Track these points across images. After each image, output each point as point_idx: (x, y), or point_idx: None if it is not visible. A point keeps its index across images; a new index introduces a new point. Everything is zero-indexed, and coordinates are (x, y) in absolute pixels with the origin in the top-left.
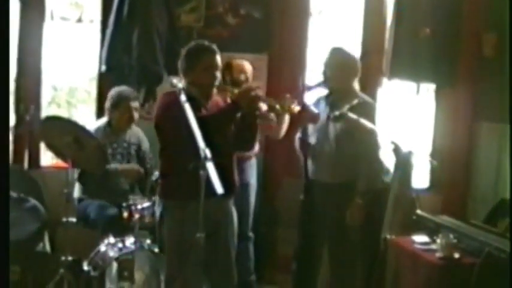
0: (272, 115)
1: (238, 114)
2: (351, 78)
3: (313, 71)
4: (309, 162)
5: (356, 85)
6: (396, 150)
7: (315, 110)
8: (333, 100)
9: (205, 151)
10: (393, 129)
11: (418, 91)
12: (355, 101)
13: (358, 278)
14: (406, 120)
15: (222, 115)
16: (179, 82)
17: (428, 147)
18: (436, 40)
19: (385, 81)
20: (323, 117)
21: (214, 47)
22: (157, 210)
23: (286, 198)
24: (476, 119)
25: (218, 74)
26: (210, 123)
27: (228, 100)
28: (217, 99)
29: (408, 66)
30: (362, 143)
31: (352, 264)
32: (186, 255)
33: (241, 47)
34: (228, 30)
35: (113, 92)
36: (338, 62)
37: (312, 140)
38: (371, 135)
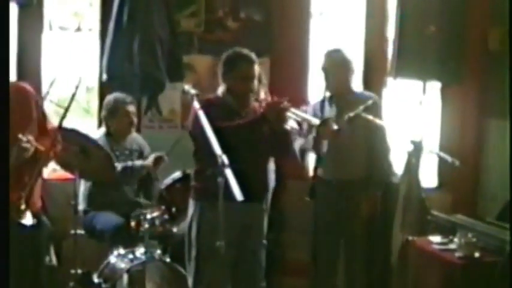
0: (296, 126)
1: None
2: (351, 78)
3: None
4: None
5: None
6: (416, 150)
7: (334, 126)
8: (339, 101)
9: (222, 158)
10: (400, 129)
11: (424, 90)
12: (370, 101)
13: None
14: (412, 120)
15: (247, 125)
16: (191, 89)
17: (435, 146)
18: (442, 37)
19: (390, 81)
20: (332, 118)
21: (253, 55)
22: (189, 212)
23: (293, 202)
24: (483, 116)
25: (255, 83)
26: (236, 132)
27: None
28: (255, 107)
29: (414, 65)
30: (376, 139)
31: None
32: (215, 257)
33: None
34: (228, 35)
35: (108, 99)
36: (339, 64)
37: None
38: (383, 131)
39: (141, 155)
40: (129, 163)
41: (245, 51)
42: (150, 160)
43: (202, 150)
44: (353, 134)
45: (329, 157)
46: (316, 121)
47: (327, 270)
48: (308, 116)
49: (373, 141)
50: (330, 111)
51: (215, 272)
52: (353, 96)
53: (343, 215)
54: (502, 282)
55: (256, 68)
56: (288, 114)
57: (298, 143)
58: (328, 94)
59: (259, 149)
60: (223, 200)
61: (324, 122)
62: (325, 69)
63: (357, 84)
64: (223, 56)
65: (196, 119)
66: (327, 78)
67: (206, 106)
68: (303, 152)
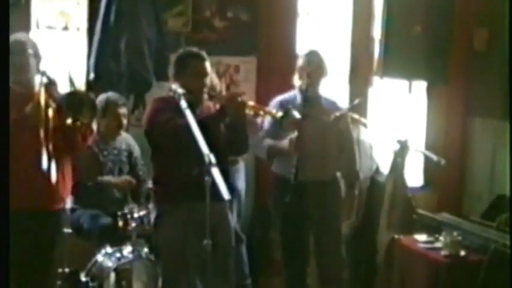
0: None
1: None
2: (323, 79)
3: None
4: (300, 163)
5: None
6: (402, 149)
7: (297, 115)
8: (311, 100)
9: (210, 156)
10: (386, 128)
11: (410, 89)
12: (357, 101)
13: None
14: (398, 119)
15: (208, 120)
16: (178, 88)
17: (421, 145)
18: (428, 37)
19: (376, 80)
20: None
21: (203, 53)
22: (152, 217)
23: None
24: (469, 115)
25: (207, 80)
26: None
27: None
28: (209, 105)
29: (400, 64)
30: (347, 139)
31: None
32: (183, 261)
33: (230, 50)
34: (215, 34)
35: (100, 98)
36: (317, 64)
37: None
38: (351, 134)
39: (130, 155)
40: (99, 178)
41: (195, 49)
42: (119, 180)
43: (173, 149)
44: (326, 134)
45: (303, 159)
46: (279, 113)
47: (296, 272)
48: (269, 109)
49: (344, 143)
50: (301, 109)
51: (183, 274)
52: (320, 96)
53: (314, 216)
54: (487, 280)
55: (208, 66)
56: (248, 108)
57: (267, 143)
58: (300, 91)
59: (219, 146)
60: (186, 201)
61: (286, 113)
62: (305, 66)
63: (338, 83)
64: (173, 58)
65: (164, 116)
66: (305, 76)
67: (162, 105)
68: (272, 153)
